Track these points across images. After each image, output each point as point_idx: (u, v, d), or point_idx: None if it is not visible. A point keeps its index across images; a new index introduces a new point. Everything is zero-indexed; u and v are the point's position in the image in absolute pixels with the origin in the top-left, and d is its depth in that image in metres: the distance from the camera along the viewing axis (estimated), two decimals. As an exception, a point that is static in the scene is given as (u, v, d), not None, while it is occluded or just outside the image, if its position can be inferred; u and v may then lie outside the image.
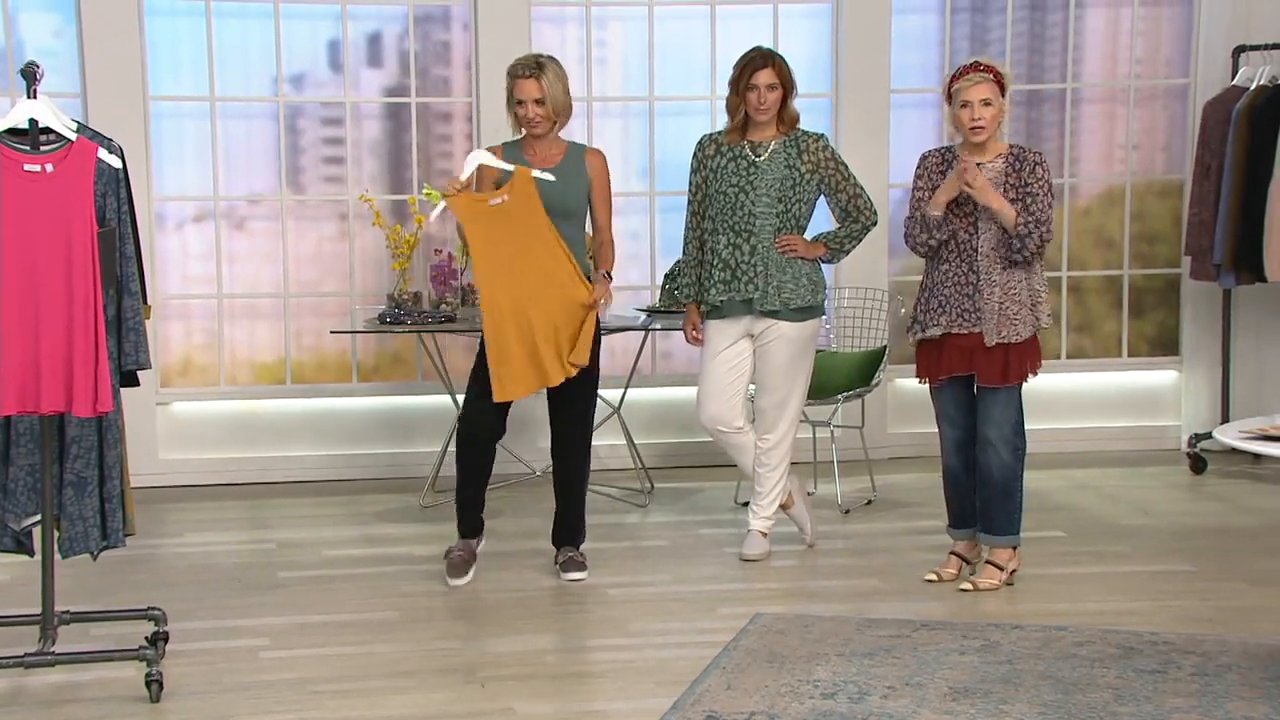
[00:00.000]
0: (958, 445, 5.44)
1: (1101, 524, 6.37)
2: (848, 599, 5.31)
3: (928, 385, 5.48)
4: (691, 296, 5.79)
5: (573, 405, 5.54)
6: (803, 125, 5.70)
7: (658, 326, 6.63)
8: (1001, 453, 5.30)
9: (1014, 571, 5.42)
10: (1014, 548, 5.41)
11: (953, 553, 5.53)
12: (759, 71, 5.58)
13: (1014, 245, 5.21)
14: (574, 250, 5.43)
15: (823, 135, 5.75)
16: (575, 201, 5.52)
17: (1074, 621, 4.99)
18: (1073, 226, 7.80)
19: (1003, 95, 5.26)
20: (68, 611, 4.59)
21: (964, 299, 5.27)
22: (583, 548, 5.67)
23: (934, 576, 5.46)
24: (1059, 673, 4.47)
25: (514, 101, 5.44)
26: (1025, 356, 5.33)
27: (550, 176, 5.37)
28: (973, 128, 5.22)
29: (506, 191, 5.35)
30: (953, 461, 5.46)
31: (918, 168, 5.44)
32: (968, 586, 5.34)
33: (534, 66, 5.40)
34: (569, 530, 5.68)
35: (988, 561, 5.43)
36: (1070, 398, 7.80)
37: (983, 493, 5.37)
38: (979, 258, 5.24)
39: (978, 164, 5.25)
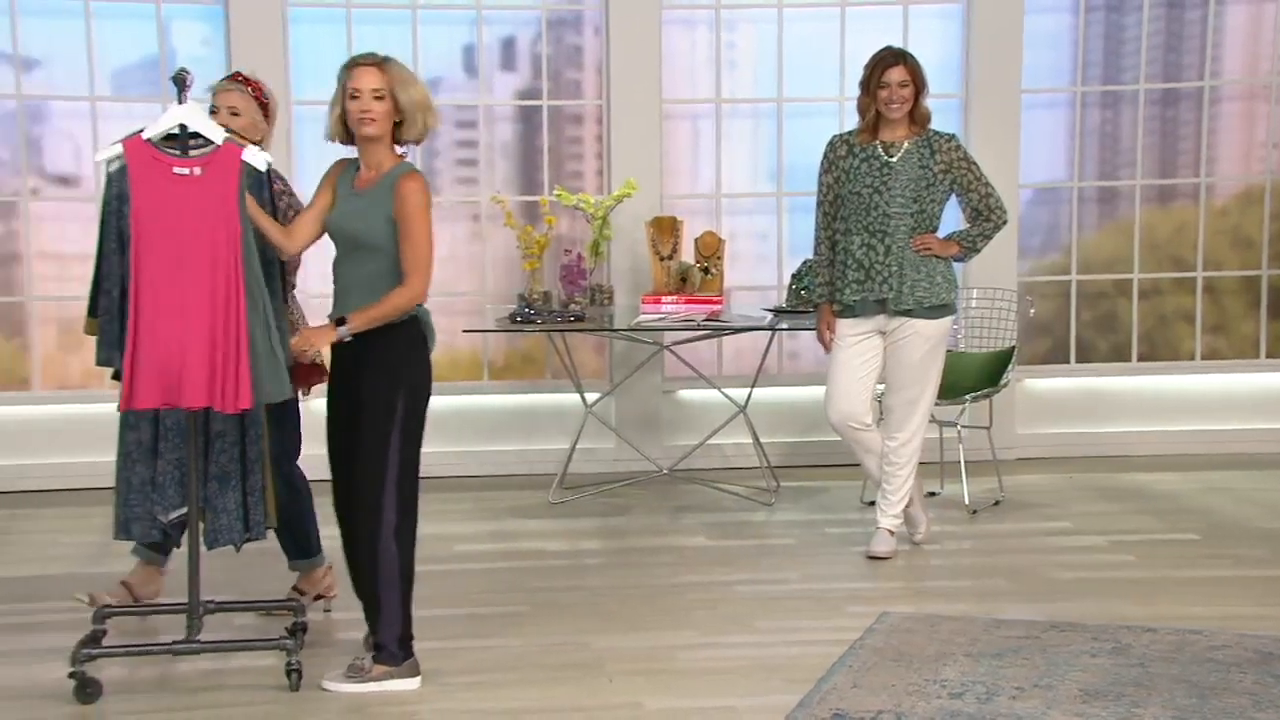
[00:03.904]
0: None
1: (1237, 527, 6.22)
2: (975, 599, 5.25)
3: None
4: (825, 296, 5.76)
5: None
6: (932, 125, 5.66)
7: (784, 326, 6.62)
8: None
9: None
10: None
11: None
12: (891, 69, 5.55)
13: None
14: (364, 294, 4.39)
15: (954, 135, 5.71)
16: (370, 233, 4.39)
17: (1209, 625, 4.88)
18: (1209, 226, 7.63)
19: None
20: (212, 601, 4.70)
21: None
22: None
23: None
24: (1194, 677, 4.37)
25: (347, 95, 4.36)
26: None
27: (263, 162, 4.42)
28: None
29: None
30: None
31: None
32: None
33: (378, 57, 4.41)
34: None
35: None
36: (1205, 399, 7.64)
37: None
38: None
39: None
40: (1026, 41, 7.36)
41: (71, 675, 4.32)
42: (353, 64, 4.41)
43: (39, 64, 6.90)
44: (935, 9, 7.43)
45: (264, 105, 4.95)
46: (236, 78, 4.98)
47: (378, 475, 4.37)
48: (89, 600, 4.94)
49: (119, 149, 4.37)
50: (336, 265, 4.48)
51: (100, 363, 4.65)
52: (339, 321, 4.34)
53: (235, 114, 4.87)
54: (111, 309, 4.49)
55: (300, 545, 5.06)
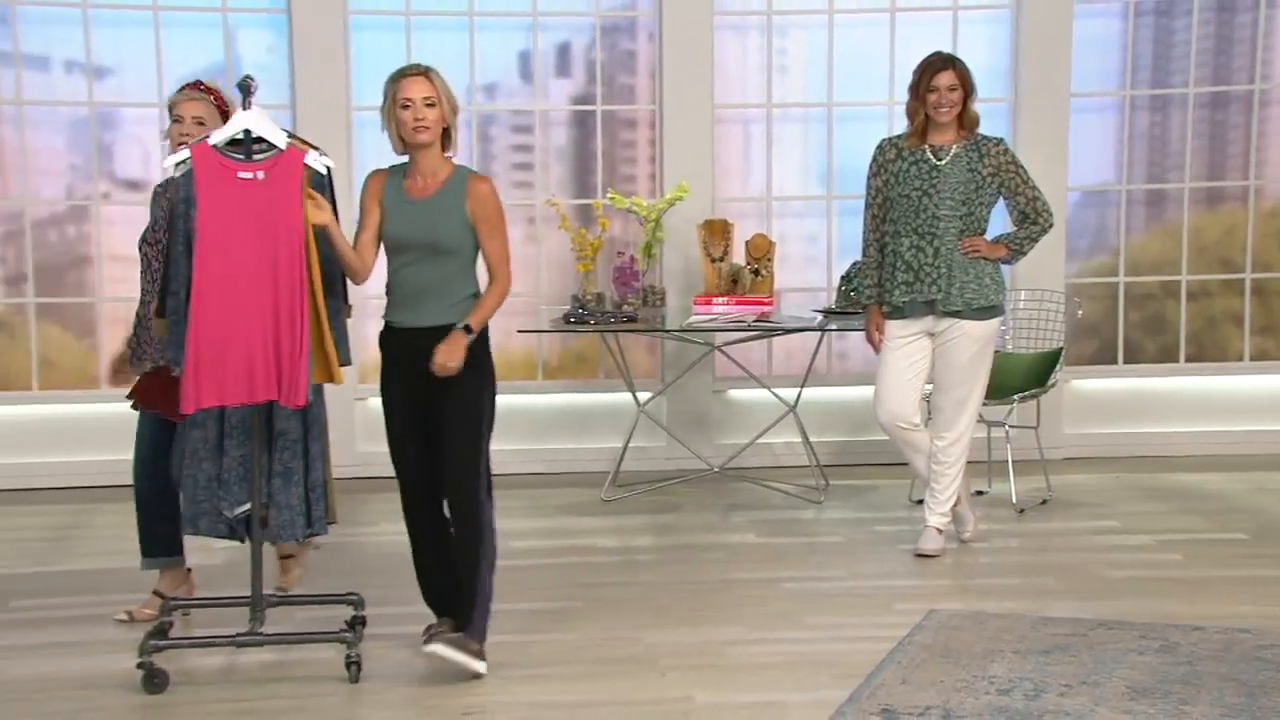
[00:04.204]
0: None
1: (1284, 528, 6.16)
2: (1023, 597, 5.21)
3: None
4: (873, 298, 5.74)
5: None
6: (980, 130, 5.64)
7: (834, 327, 6.60)
8: None
9: None
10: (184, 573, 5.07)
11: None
12: (940, 74, 5.54)
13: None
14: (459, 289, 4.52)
15: (1002, 139, 5.68)
16: (449, 236, 4.47)
17: (1257, 624, 4.82)
18: (1258, 229, 7.55)
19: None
20: (274, 595, 4.74)
21: None
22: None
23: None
24: (1242, 675, 4.33)
25: (398, 106, 4.42)
26: None
27: (323, 165, 4.49)
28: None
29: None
30: None
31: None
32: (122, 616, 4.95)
33: (421, 67, 4.48)
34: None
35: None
36: (1253, 400, 7.56)
37: None
38: None
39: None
40: (1075, 46, 7.31)
41: (140, 666, 4.37)
42: (400, 75, 4.46)
43: (110, 72, 6.98)
44: (984, 14, 7.39)
45: (225, 114, 4.89)
46: (199, 86, 4.93)
47: (474, 467, 4.47)
48: (128, 617, 4.97)
49: (186, 154, 4.42)
50: (400, 271, 4.49)
51: (168, 362, 4.70)
52: (465, 329, 4.41)
53: (201, 123, 4.81)
54: (179, 310, 4.53)
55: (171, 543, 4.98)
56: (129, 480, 4.99)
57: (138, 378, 4.96)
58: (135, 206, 7.19)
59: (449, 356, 4.38)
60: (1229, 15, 7.47)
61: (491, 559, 4.51)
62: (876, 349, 5.78)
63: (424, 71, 4.45)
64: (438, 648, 4.44)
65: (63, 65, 6.95)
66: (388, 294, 4.55)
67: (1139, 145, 7.55)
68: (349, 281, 4.64)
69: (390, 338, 4.54)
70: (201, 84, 4.94)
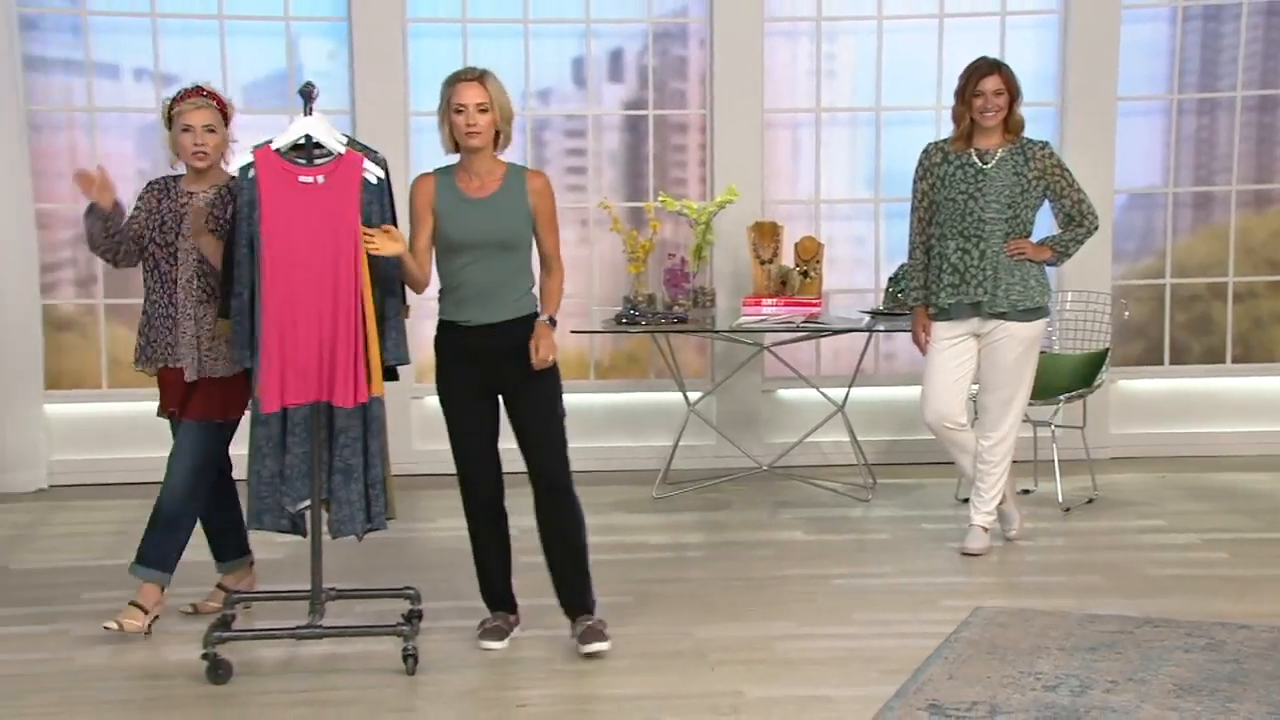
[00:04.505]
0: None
1: (1331, 528, 6.09)
2: (1069, 594, 5.18)
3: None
4: (919, 300, 5.72)
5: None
6: (1025, 133, 5.62)
7: (881, 328, 6.58)
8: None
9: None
10: (160, 589, 4.87)
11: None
12: (986, 78, 5.52)
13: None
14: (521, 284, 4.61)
15: (1047, 143, 5.65)
16: (515, 231, 4.55)
17: (1302, 624, 4.78)
18: (1303, 231, 7.47)
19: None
20: (334, 589, 4.77)
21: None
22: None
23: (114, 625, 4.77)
24: (1286, 675, 4.29)
25: (451, 110, 4.48)
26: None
27: (374, 175, 4.50)
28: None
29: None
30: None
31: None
32: (111, 625, 4.75)
33: (476, 72, 4.51)
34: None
35: (132, 602, 4.83)
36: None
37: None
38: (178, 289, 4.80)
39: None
40: (1123, 50, 7.25)
41: (204, 657, 4.42)
42: (455, 80, 4.50)
43: (177, 79, 7.01)
44: (1032, 19, 7.34)
45: (227, 118, 4.88)
46: (201, 92, 4.81)
47: (565, 454, 4.62)
48: (193, 610, 5.03)
49: (250, 159, 4.46)
50: (464, 271, 4.51)
51: (233, 361, 4.75)
52: (551, 321, 4.53)
53: (211, 130, 4.79)
54: (243, 311, 4.58)
55: (168, 558, 4.87)
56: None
57: (161, 393, 4.92)
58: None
59: (549, 349, 4.49)
60: (1278, 19, 7.38)
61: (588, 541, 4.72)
62: (922, 350, 5.76)
63: (478, 77, 4.48)
64: (594, 647, 4.58)
65: (132, 73, 7.03)
66: (447, 294, 4.57)
67: (1185, 148, 7.48)
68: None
69: (455, 338, 4.56)
70: (203, 89, 4.85)
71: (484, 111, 4.45)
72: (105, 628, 4.73)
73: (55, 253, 7.18)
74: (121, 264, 4.87)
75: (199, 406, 4.81)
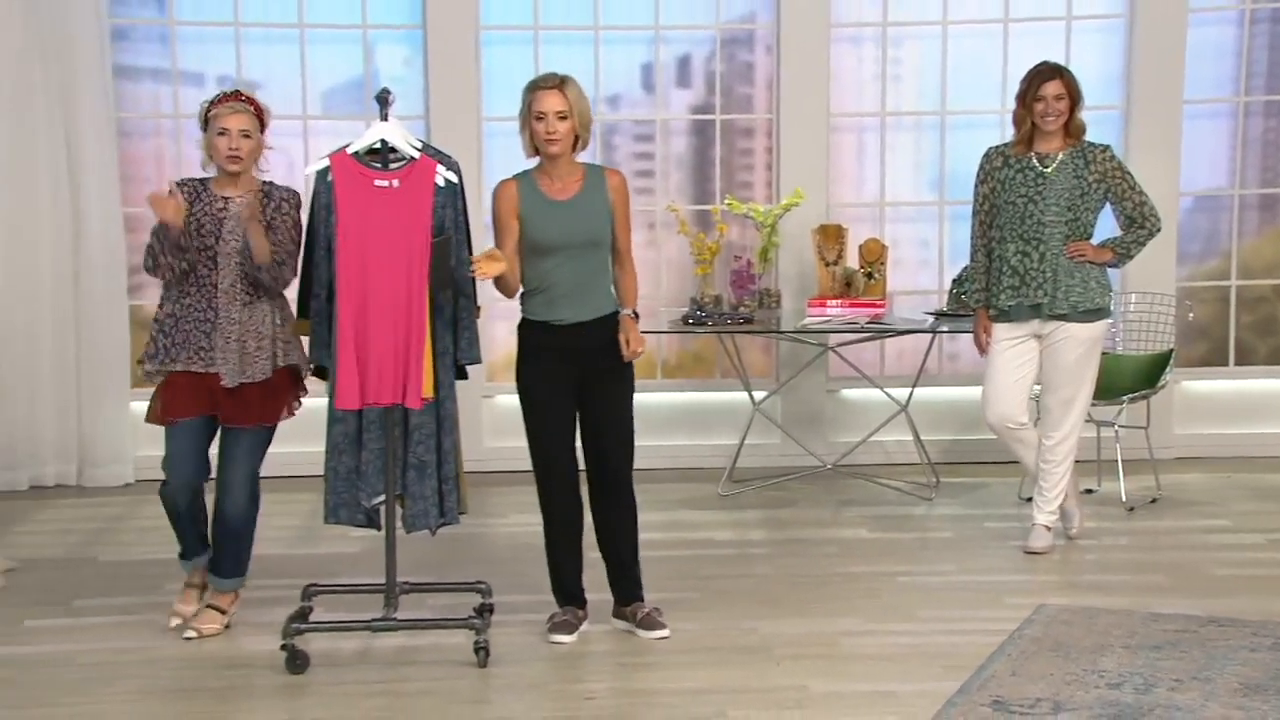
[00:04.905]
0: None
1: (1397, 529, 5.96)
2: (1132, 593, 5.10)
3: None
4: (981, 302, 5.67)
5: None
6: (1088, 137, 5.55)
7: (945, 329, 6.51)
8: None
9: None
10: (236, 591, 4.85)
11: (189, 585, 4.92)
12: (1047, 83, 5.46)
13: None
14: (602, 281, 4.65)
15: (1108, 146, 5.58)
16: (601, 230, 4.60)
17: (1368, 626, 4.67)
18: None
19: None
20: (407, 582, 4.79)
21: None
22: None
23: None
24: (1352, 676, 4.19)
25: (532, 117, 4.52)
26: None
27: (443, 179, 4.49)
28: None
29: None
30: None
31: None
32: (191, 634, 4.72)
33: (557, 79, 4.53)
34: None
35: (210, 605, 4.82)
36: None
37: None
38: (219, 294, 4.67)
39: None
40: (1189, 53, 7.14)
41: (283, 648, 4.45)
42: (535, 86, 4.52)
43: (259, 86, 7.10)
44: (1097, 24, 7.24)
45: (263, 124, 4.74)
46: (239, 97, 4.69)
47: (633, 450, 4.68)
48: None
49: (327, 163, 4.48)
50: (554, 271, 4.55)
51: (309, 361, 4.78)
52: (635, 315, 4.60)
53: (247, 135, 4.65)
54: (320, 311, 4.61)
55: (243, 563, 4.83)
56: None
57: (166, 398, 4.68)
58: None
59: (640, 341, 4.57)
60: (1349, 20, 7.25)
61: None
62: (983, 351, 5.70)
63: (558, 84, 4.50)
64: (660, 633, 4.65)
65: (215, 80, 7.09)
66: (536, 294, 4.58)
67: (1252, 150, 7.35)
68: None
69: (546, 337, 4.58)
70: (242, 94, 4.72)
71: (563, 119, 4.47)
72: (186, 638, 4.70)
73: (142, 255, 7.25)
74: (180, 279, 4.67)
75: (249, 412, 4.66)
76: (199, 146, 4.78)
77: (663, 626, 4.68)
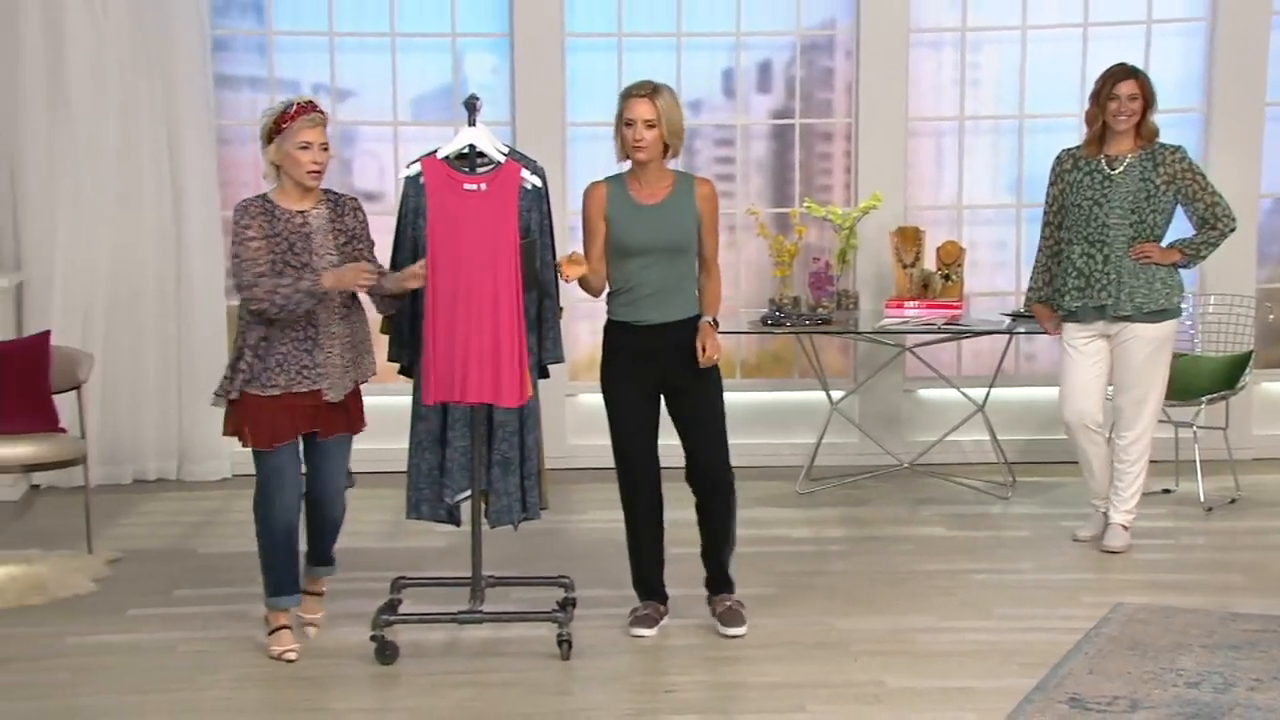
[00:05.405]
0: None
1: None
2: (1211, 593, 5.01)
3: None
4: (1034, 299, 5.69)
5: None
6: (1165, 139, 5.47)
7: (1022, 330, 6.43)
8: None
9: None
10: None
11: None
12: (1121, 83, 5.40)
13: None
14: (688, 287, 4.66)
15: (1180, 147, 5.49)
16: (687, 235, 4.61)
17: None
18: None
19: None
20: (493, 576, 4.82)
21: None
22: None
23: None
24: None
25: (622, 123, 4.53)
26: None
27: (530, 183, 4.51)
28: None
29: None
30: None
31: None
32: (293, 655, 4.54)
33: (649, 87, 4.51)
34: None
35: (309, 591, 4.78)
36: None
37: None
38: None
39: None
40: (1273, 55, 7.00)
41: (373, 638, 4.49)
42: (628, 94, 4.56)
43: (352, 94, 7.18)
44: (1177, 27, 7.11)
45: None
46: (317, 108, 4.44)
47: (725, 447, 4.74)
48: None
49: (418, 167, 4.52)
50: (640, 273, 4.57)
51: (391, 359, 4.81)
52: (714, 322, 4.59)
53: (326, 148, 4.43)
54: (403, 311, 4.64)
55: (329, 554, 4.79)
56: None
57: (233, 418, 4.48)
58: (371, 216, 7.38)
59: (715, 348, 4.56)
60: None
61: None
62: (1053, 333, 5.68)
63: (650, 93, 4.53)
64: (732, 630, 4.64)
65: (310, 88, 7.17)
66: (621, 295, 4.60)
67: (1336, 153, 7.18)
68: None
69: (629, 338, 4.60)
70: (317, 104, 4.46)
71: (651, 127, 4.50)
72: (289, 660, 4.52)
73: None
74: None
75: (348, 420, 4.58)
76: (264, 157, 4.47)
77: (740, 624, 4.65)
